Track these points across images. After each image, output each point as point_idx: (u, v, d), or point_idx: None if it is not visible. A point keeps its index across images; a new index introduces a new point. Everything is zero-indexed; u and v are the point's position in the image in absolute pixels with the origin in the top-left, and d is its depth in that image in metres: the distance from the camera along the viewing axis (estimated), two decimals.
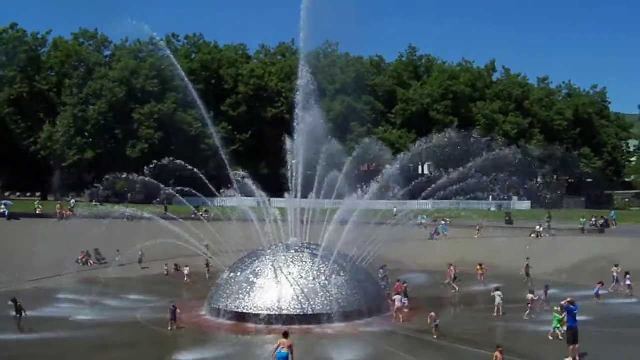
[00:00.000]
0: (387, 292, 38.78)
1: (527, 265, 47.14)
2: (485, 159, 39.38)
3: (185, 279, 47.18)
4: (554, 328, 29.67)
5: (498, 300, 35.23)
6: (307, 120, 39.81)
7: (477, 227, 63.74)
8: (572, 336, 27.00)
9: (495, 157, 40.29)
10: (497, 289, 36.02)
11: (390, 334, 31.49)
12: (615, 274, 42.83)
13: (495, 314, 34.92)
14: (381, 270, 42.21)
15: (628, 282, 41.30)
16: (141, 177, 42.81)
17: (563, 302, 28.98)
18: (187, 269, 47.60)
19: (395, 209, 42.80)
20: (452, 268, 44.38)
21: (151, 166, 42.24)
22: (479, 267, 46.92)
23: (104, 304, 38.23)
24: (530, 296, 35.32)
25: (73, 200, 77.87)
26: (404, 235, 46.41)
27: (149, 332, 32.26)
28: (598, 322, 32.53)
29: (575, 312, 27.67)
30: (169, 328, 31.37)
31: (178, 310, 31.98)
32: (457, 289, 42.78)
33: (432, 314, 29.17)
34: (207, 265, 46.79)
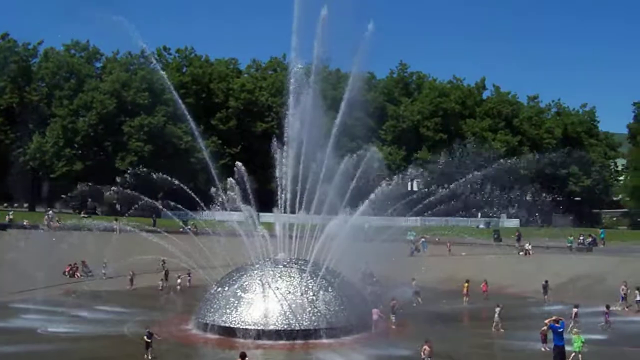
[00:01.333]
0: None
1: (546, 284, 45.48)
2: (489, 170, 39.59)
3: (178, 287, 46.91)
4: (576, 351, 28.48)
5: (496, 317, 35.39)
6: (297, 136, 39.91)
7: (448, 245, 63.69)
8: (558, 355, 26.89)
9: (491, 171, 40.44)
10: (498, 305, 36.14)
11: (377, 351, 31.42)
12: (622, 292, 42.65)
13: (494, 329, 35.00)
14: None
15: (638, 298, 41.18)
16: (129, 191, 42.77)
17: (547, 320, 28.70)
18: (180, 279, 47.29)
19: (367, 225, 42.05)
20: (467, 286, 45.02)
21: (129, 172, 42.06)
22: (466, 284, 46.75)
23: (85, 316, 38.03)
24: (575, 310, 35.81)
25: (51, 212, 77.19)
26: (387, 251, 46.14)
27: (133, 346, 32.03)
28: (613, 341, 32.78)
29: (561, 330, 27.54)
30: (146, 357, 28.82)
31: (156, 336, 29.73)
32: (420, 302, 42.83)
33: (426, 347, 27.78)
34: (189, 274, 47.02)
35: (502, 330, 35.08)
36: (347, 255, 38.21)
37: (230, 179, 39.11)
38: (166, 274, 49.42)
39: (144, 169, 43.90)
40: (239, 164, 40.90)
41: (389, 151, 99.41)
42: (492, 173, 41.69)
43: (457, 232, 64.48)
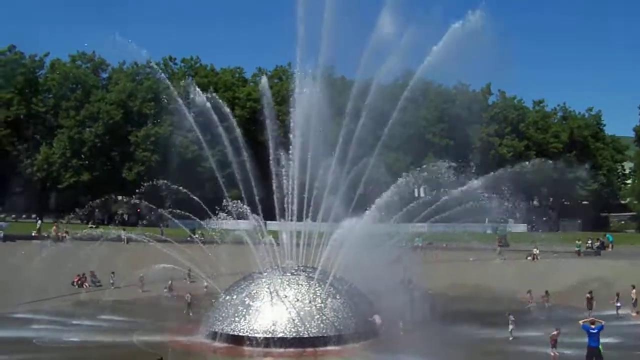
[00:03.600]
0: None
1: (590, 296, 42.39)
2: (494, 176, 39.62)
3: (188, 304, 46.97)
4: None
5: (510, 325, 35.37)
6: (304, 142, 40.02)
7: (435, 255, 62.50)
8: (589, 355, 27.37)
9: (496, 176, 40.41)
10: (510, 314, 36.02)
11: (386, 357, 31.43)
12: (634, 296, 42.56)
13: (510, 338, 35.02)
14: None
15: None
16: (137, 201, 42.95)
17: (581, 321, 29.42)
18: (189, 296, 47.20)
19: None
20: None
21: (142, 189, 42.43)
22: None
23: (92, 325, 38.21)
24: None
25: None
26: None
27: (141, 355, 32.13)
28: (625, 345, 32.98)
29: (595, 331, 27.74)
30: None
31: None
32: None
33: None
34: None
35: (511, 338, 35.04)
36: (358, 262, 38.12)
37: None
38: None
39: (159, 181, 44.08)
40: None
41: (395, 157, 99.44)
42: (498, 178, 41.67)
43: (464, 238, 64.25)
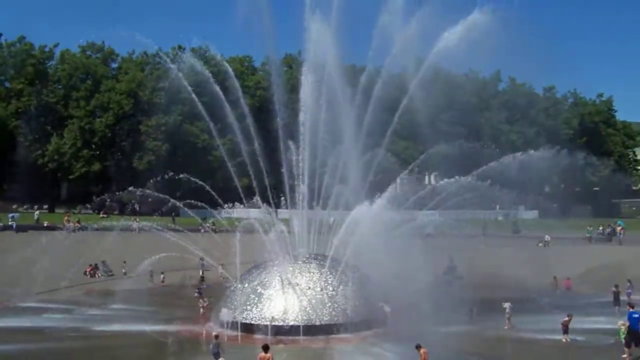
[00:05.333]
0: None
1: (617, 290, 39.94)
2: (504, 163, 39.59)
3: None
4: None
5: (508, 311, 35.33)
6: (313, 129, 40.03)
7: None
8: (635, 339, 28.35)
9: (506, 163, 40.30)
10: (507, 301, 35.95)
11: (397, 345, 31.47)
12: None
13: (505, 327, 34.96)
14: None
15: None
16: (148, 191, 43.11)
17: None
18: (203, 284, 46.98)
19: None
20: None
21: (157, 179, 42.59)
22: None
23: (109, 315, 38.48)
24: None
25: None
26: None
27: (154, 344, 32.35)
28: None
29: (636, 316, 28.84)
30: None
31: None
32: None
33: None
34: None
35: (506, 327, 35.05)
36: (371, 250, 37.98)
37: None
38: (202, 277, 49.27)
39: (170, 173, 44.37)
40: None
41: (405, 145, 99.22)
42: (508, 165, 41.53)
43: (475, 225, 64.09)
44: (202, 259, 45.53)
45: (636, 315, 28.84)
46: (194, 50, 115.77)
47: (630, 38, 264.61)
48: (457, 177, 38.67)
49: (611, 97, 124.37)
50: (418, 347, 25.94)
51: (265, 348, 25.75)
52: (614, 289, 39.88)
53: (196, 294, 42.19)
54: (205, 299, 39.97)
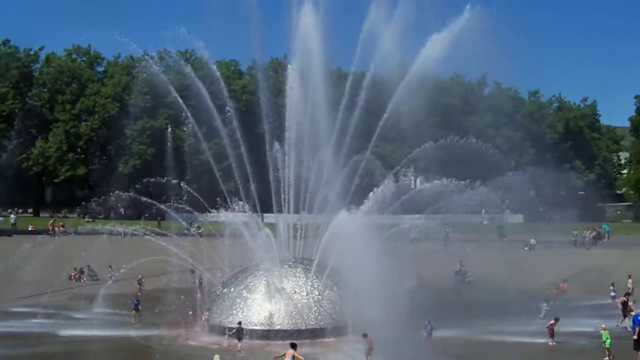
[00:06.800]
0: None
1: (626, 299, 38.11)
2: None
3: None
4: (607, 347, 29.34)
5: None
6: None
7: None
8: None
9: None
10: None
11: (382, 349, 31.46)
12: (630, 286, 42.57)
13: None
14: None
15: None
16: (134, 195, 42.97)
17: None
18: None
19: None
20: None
21: (143, 182, 42.51)
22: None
23: (90, 319, 38.35)
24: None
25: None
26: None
27: (139, 349, 32.25)
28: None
29: None
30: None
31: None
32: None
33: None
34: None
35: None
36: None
37: None
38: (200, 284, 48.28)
39: (157, 178, 44.29)
40: None
41: (391, 149, 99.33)
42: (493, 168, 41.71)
43: (461, 229, 64.07)
44: (192, 271, 45.32)
45: None
46: (181, 54, 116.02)
47: (613, 41, 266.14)
48: (442, 179, 38.87)
49: (595, 101, 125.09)
50: (365, 335, 27.92)
51: (294, 345, 26.60)
52: (623, 298, 38.63)
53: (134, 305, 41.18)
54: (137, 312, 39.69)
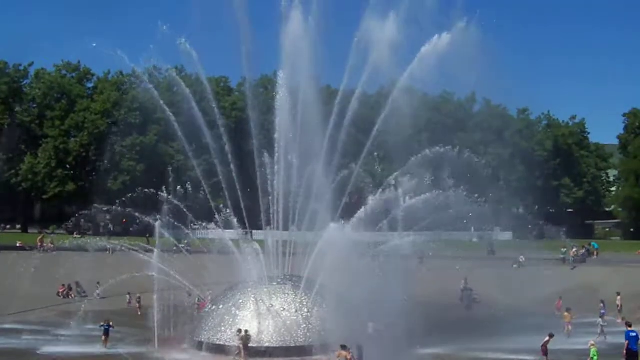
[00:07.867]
0: None
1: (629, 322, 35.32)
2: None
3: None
4: None
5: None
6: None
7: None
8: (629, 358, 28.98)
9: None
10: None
11: None
12: (619, 303, 42.63)
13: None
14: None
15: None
16: (120, 209, 42.88)
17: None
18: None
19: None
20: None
21: (129, 196, 42.45)
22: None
23: (78, 335, 38.06)
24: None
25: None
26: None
27: None
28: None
29: (634, 335, 29.49)
30: None
31: None
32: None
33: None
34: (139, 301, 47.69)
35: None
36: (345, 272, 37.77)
37: None
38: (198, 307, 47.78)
39: (145, 190, 44.20)
40: None
41: (380, 167, 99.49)
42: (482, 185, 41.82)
43: (450, 246, 64.07)
44: (189, 293, 44.99)
45: (634, 334, 29.26)
46: (170, 70, 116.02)
47: (602, 59, 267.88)
48: (433, 191, 39.01)
49: (584, 119, 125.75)
50: (343, 346, 28.23)
51: (344, 347, 27.42)
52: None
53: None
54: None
